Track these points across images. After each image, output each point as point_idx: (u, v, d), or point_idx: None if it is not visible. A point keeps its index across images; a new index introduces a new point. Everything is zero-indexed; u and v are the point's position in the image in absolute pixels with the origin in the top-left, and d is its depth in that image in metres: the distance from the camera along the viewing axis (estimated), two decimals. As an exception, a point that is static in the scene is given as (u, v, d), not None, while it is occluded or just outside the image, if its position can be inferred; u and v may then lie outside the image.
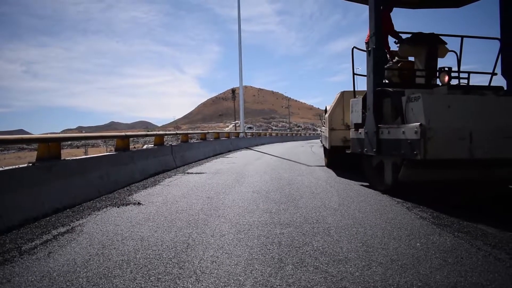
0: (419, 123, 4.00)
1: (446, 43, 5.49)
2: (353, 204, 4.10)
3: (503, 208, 4.08)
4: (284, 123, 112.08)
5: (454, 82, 5.15)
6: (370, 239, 2.79)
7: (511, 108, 4.13)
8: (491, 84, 5.36)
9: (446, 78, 4.71)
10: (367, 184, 5.37)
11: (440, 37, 5.44)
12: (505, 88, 5.11)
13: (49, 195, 3.74)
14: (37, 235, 2.96)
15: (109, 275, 2.16)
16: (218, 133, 15.53)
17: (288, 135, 41.44)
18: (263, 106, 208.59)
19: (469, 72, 5.25)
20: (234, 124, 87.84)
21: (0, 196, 3.12)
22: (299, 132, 62.94)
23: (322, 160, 9.11)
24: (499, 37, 5.31)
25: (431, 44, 5.35)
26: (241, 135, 20.56)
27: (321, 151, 9.41)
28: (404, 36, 5.80)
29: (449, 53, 5.61)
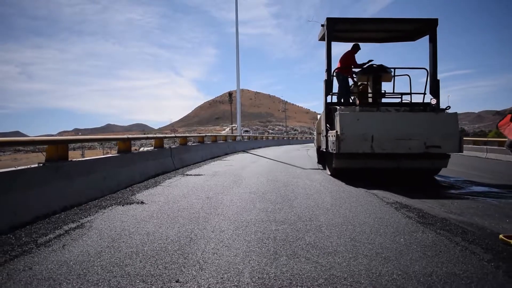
0: (335, 130, 6.14)
1: (390, 72, 7.33)
2: (344, 204, 4.35)
3: (493, 207, 4.34)
4: (280, 127, 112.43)
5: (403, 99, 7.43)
6: (358, 235, 3.03)
7: (404, 120, 6.17)
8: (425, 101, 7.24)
9: (357, 101, 6.98)
10: (363, 185, 5.65)
11: (389, 68, 7.28)
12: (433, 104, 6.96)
13: (58, 193, 3.96)
14: (50, 230, 3.17)
15: (121, 264, 2.38)
16: (215, 136, 15.74)
17: (285, 138, 41.73)
18: (259, 110, 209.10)
19: (402, 94, 7.45)
20: (230, 128, 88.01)
21: (14, 194, 3.33)
22: (296, 136, 63.23)
23: (317, 163, 9.38)
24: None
25: (375, 73, 7.34)
26: (238, 138, 20.79)
27: (316, 155, 9.70)
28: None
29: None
